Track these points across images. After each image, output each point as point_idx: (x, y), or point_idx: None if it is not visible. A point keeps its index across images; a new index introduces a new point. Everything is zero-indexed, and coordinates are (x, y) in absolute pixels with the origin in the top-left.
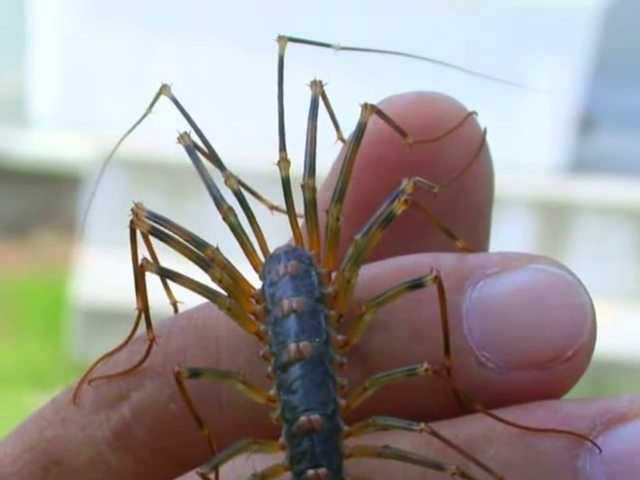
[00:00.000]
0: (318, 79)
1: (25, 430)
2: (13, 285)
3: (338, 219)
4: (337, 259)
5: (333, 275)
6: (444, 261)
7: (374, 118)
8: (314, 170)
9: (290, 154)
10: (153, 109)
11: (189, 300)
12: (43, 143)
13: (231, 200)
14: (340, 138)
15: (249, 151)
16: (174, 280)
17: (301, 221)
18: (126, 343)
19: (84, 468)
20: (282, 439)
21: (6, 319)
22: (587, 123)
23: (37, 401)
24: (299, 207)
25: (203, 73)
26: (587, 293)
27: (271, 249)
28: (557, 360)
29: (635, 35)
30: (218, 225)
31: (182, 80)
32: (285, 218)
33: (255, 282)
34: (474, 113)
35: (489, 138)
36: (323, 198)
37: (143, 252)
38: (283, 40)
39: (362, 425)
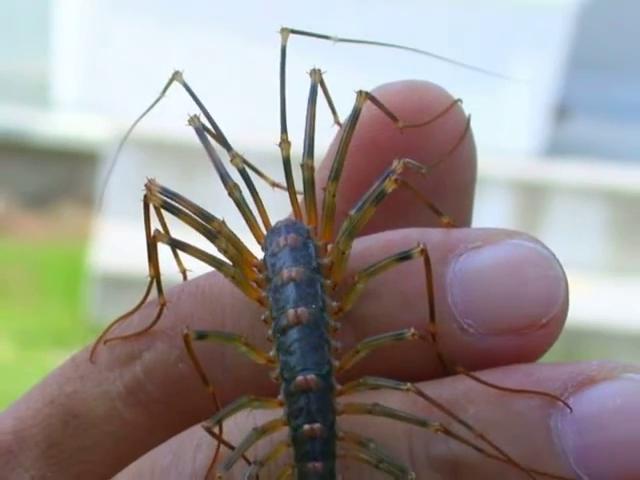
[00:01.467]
0: (317, 68)
1: (46, 386)
2: (37, 254)
3: (334, 196)
4: (333, 232)
5: (329, 247)
6: (430, 235)
7: (368, 104)
8: (312, 151)
9: (291, 136)
10: (166, 94)
11: (197, 268)
12: (65, 124)
13: (236, 177)
14: (337, 122)
15: (253, 133)
16: (183, 250)
17: (300, 197)
18: (139, 307)
19: (100, 421)
20: (280, 396)
21: (30, 285)
22: (562, 111)
23: (57, 359)
24: (298, 185)
25: (212, 61)
26: (561, 266)
27: (272, 223)
28: (533, 327)
29: (607, 31)
30: (224, 200)
31: (193, 67)
32: (286, 195)
33: (257, 253)
34: (459, 101)
35: (473, 124)
36: (320, 176)
37: (155, 224)
38: (285, 32)
39: (354, 384)
